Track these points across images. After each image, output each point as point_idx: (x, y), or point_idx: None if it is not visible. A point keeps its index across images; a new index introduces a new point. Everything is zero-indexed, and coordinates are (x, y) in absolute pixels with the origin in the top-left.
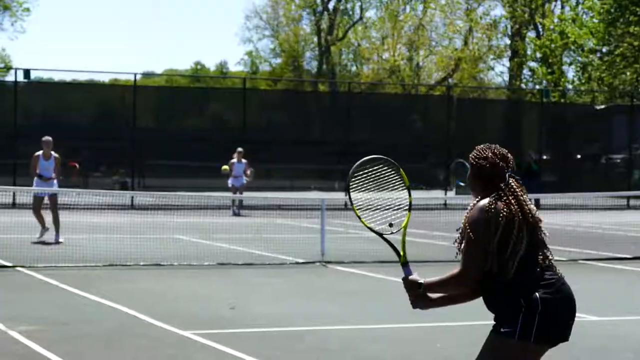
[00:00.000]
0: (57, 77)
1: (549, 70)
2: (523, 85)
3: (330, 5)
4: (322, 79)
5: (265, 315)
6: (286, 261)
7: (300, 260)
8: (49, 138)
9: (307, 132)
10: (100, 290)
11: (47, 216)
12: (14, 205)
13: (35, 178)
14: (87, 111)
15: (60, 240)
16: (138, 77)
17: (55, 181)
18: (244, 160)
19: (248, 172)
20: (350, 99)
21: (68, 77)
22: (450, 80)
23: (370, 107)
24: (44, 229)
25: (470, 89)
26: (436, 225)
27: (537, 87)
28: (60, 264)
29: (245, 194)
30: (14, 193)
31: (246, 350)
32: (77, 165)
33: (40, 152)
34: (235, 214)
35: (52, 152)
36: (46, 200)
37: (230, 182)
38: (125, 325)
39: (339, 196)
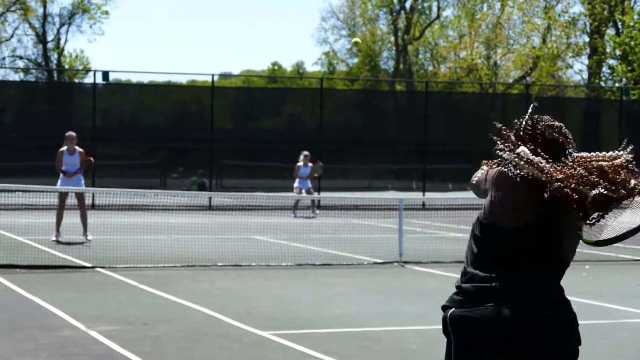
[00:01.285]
0: (135, 78)
1: (629, 68)
2: (602, 84)
3: (407, 5)
4: (399, 78)
5: (343, 316)
6: (364, 261)
7: (378, 261)
8: (73, 133)
9: (384, 131)
10: (179, 291)
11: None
12: (92, 206)
13: (60, 176)
14: (164, 112)
15: (89, 238)
16: (215, 78)
17: (81, 177)
18: (310, 164)
19: (315, 172)
20: (427, 98)
21: (146, 79)
22: (528, 78)
23: (447, 106)
24: (59, 232)
25: (549, 87)
26: None
27: (617, 85)
28: (139, 264)
29: (323, 194)
30: (93, 194)
31: (324, 350)
32: (92, 160)
33: (64, 148)
34: (295, 216)
35: (77, 147)
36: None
37: (296, 184)
38: (204, 325)
39: (417, 196)
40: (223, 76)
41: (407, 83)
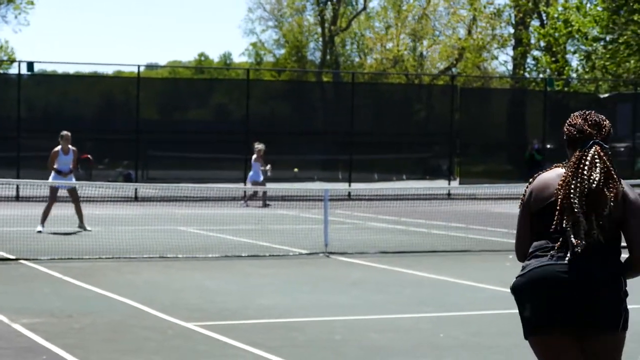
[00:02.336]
0: (60, 69)
1: (553, 59)
2: (527, 74)
3: None
4: (325, 69)
5: (268, 307)
6: (290, 252)
7: (304, 252)
8: (68, 133)
9: (310, 122)
10: (103, 283)
11: (59, 209)
12: (17, 198)
13: (53, 173)
14: (90, 103)
15: (89, 228)
16: (142, 68)
17: (72, 175)
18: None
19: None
20: (354, 89)
21: (72, 70)
22: (453, 69)
23: (373, 97)
24: (43, 226)
25: (474, 79)
26: (438, 215)
27: (541, 76)
28: (64, 256)
29: (249, 186)
30: (17, 186)
31: (250, 341)
32: (90, 157)
33: (59, 147)
34: (246, 206)
35: (70, 146)
36: (65, 193)
37: (250, 177)
38: (129, 317)
39: (343, 186)
40: (149, 67)
41: (334, 74)
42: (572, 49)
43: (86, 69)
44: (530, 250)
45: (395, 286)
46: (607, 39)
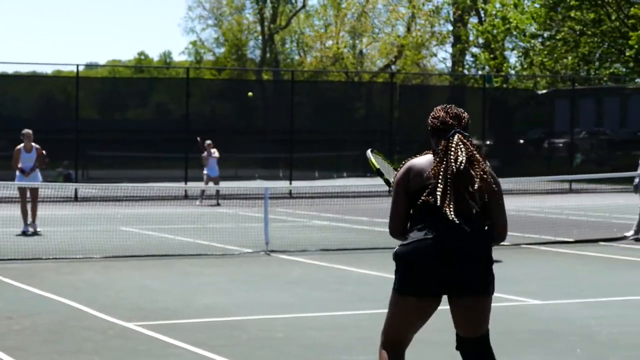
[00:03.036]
0: None
1: (491, 55)
2: (466, 71)
3: None
4: (265, 67)
5: (209, 306)
6: (230, 251)
7: (245, 250)
8: (29, 130)
9: (251, 121)
10: (43, 283)
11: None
12: None
13: (17, 173)
14: (29, 103)
15: (39, 230)
16: (81, 68)
17: (38, 173)
18: (213, 151)
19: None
20: (294, 87)
21: (10, 69)
22: (393, 67)
23: (313, 95)
24: (27, 224)
25: (414, 76)
26: (379, 213)
27: (480, 73)
28: (2, 257)
29: (190, 184)
30: None
31: (191, 340)
32: (44, 152)
33: (21, 146)
34: (201, 204)
35: (33, 144)
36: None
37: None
38: (70, 317)
39: (283, 184)
40: (89, 66)
41: (274, 72)
42: (510, 46)
43: (25, 69)
44: (410, 225)
45: (336, 283)
46: (545, 35)
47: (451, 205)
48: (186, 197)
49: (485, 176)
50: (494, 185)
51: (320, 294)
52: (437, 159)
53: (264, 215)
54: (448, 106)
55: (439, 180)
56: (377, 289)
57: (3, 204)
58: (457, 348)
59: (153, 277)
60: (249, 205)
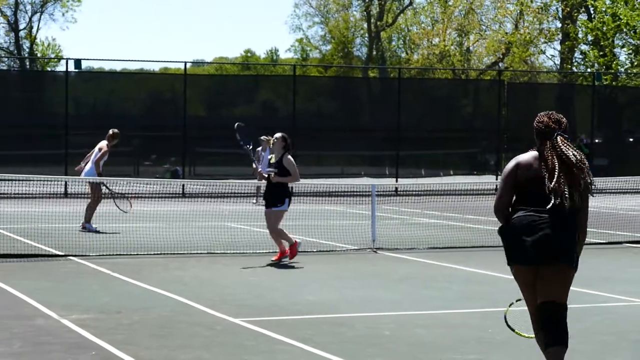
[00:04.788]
0: (107, 66)
1: (601, 53)
2: (574, 69)
3: None
4: (372, 65)
5: (316, 302)
6: (337, 248)
7: (351, 247)
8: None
9: (357, 118)
10: (152, 279)
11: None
12: (66, 195)
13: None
14: (137, 100)
15: (95, 226)
16: (188, 65)
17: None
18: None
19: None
20: (400, 84)
21: (118, 67)
22: (500, 64)
23: (420, 92)
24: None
25: (521, 73)
26: (485, 211)
27: (589, 70)
28: (112, 252)
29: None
30: (65, 183)
31: (297, 337)
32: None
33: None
34: (255, 203)
35: (103, 141)
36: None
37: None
38: (178, 312)
39: (390, 182)
40: (196, 64)
41: (380, 70)
42: (620, 43)
43: (133, 66)
44: (515, 207)
45: (443, 282)
46: None
47: (565, 193)
48: (292, 193)
49: (584, 171)
50: (588, 179)
51: (428, 292)
52: (546, 156)
53: (371, 212)
54: (550, 112)
55: (550, 173)
56: (485, 287)
57: (110, 199)
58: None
59: (259, 274)
60: (355, 203)
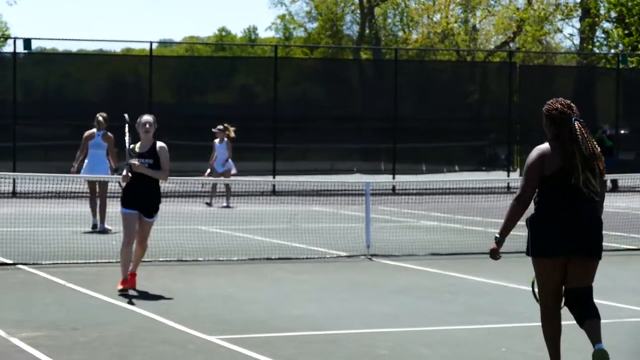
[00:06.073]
0: (61, 47)
1: (626, 32)
2: (596, 50)
3: None
4: (364, 45)
5: (303, 317)
6: (326, 255)
7: (343, 254)
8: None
9: (348, 106)
10: (112, 290)
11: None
12: (14, 195)
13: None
14: (96, 85)
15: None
16: (154, 46)
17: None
18: (226, 140)
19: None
20: (397, 67)
21: (74, 47)
22: (511, 44)
23: (419, 76)
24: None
25: (535, 55)
26: (494, 212)
27: (612, 51)
28: (68, 260)
29: (278, 178)
30: (14, 180)
31: (281, 357)
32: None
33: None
34: (208, 204)
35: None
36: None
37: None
38: (142, 329)
39: (386, 179)
40: (163, 44)
41: (374, 51)
42: None
43: (91, 47)
44: (541, 199)
45: (447, 293)
46: None
47: (589, 183)
48: (274, 192)
49: (601, 158)
50: (602, 165)
51: (429, 304)
52: (567, 144)
53: (365, 214)
54: (558, 99)
55: (575, 163)
56: (495, 299)
57: (64, 199)
58: (565, 304)
59: (238, 284)
60: (346, 203)
